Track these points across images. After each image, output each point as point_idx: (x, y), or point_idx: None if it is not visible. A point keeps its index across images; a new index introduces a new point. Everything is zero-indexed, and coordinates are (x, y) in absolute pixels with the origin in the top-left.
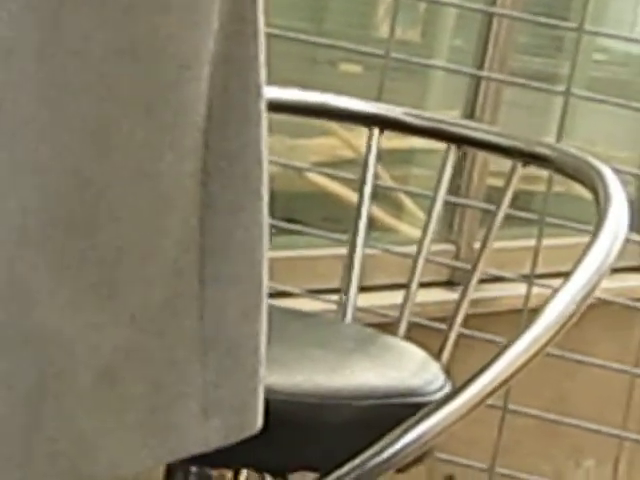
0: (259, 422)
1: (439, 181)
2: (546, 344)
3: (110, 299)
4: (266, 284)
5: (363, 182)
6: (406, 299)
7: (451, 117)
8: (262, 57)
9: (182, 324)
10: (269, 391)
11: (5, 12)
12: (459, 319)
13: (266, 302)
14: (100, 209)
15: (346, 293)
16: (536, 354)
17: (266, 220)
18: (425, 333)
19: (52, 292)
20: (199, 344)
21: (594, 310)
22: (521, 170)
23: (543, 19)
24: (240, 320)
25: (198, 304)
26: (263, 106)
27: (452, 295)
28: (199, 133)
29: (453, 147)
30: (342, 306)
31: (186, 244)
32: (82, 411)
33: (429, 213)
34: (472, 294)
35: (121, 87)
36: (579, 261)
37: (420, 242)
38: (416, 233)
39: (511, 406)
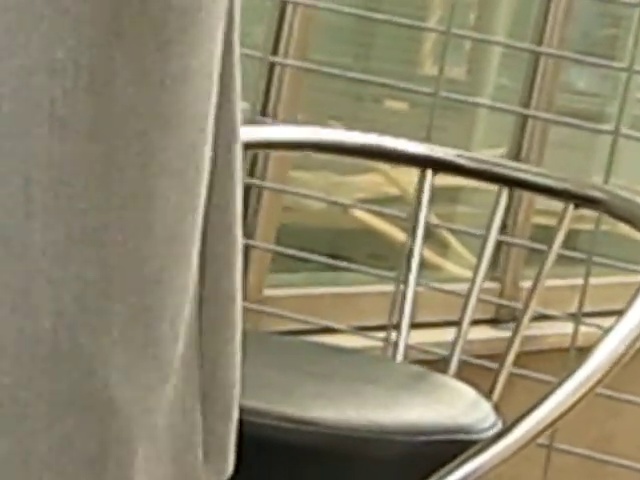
0: (232, 465)
1: (491, 222)
2: (597, 384)
3: (154, 359)
4: (240, 330)
5: (416, 224)
6: (457, 337)
7: (500, 158)
8: (238, 101)
9: (189, 373)
10: (320, 425)
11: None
12: (510, 358)
13: (239, 347)
14: (144, 273)
15: (397, 331)
16: (587, 394)
17: (240, 270)
18: (472, 371)
19: (108, 356)
20: (199, 392)
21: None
22: (572, 212)
23: (591, 59)
24: (227, 366)
25: (198, 352)
26: (239, 154)
27: (497, 333)
28: (205, 190)
29: (505, 189)
30: (392, 344)
31: (193, 295)
32: (134, 471)
33: (480, 254)
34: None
35: (160, 156)
36: (632, 301)
37: (472, 281)
38: (461, 271)
39: (557, 445)
